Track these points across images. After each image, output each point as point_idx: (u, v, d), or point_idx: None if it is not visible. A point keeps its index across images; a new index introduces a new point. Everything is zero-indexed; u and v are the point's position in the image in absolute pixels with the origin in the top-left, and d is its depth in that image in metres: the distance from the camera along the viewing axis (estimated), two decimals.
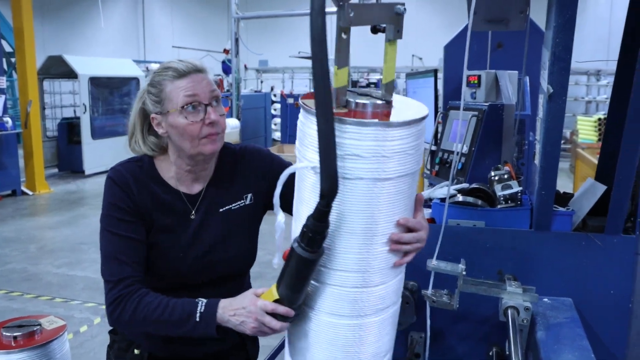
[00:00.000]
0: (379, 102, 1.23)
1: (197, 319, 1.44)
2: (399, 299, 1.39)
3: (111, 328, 1.81)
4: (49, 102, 14.73)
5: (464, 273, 1.67)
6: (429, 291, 1.72)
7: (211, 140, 1.57)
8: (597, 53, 14.92)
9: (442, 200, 2.00)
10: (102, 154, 11.82)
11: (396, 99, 1.32)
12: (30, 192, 10.20)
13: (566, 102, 1.69)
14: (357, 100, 1.22)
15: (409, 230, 1.27)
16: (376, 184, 1.17)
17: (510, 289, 1.69)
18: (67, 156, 12.53)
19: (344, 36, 1.16)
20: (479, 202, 1.98)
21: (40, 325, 2.29)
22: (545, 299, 1.82)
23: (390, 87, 1.29)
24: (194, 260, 1.64)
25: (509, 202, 1.96)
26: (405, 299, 1.91)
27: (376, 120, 1.17)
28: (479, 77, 2.84)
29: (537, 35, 2.26)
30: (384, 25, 1.25)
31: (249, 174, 1.72)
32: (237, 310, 1.40)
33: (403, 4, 1.23)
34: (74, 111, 14.84)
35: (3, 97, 9.79)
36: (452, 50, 4.10)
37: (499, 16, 2.49)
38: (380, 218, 1.21)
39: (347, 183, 1.16)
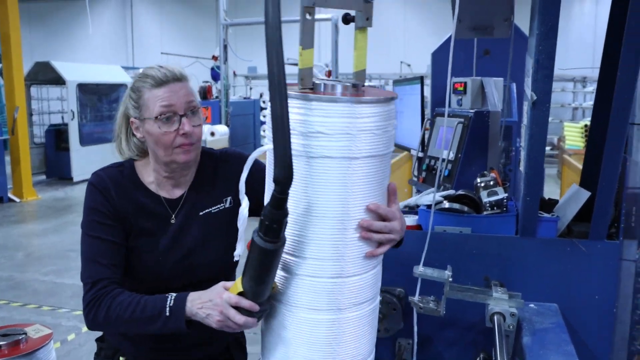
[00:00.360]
0: (348, 84, 1.23)
1: (167, 314, 1.43)
2: (376, 297, 1.36)
3: (98, 335, 1.81)
4: (36, 109, 14.66)
5: (451, 279, 1.67)
6: (416, 298, 1.73)
7: (184, 150, 1.58)
8: (583, 60, 15.08)
9: (429, 206, 2.01)
10: (90, 161, 11.74)
11: (367, 86, 1.32)
12: (17, 199, 10.12)
13: (550, 109, 1.71)
14: (326, 82, 1.22)
15: (382, 219, 1.26)
16: (346, 163, 1.17)
17: (497, 295, 1.70)
18: (55, 163, 12.46)
19: (308, 17, 1.16)
20: (465, 208, 1.99)
21: (25, 334, 2.27)
22: (531, 305, 1.83)
23: (361, 75, 1.29)
24: (174, 264, 1.64)
25: (495, 208, 1.98)
26: (392, 305, 1.92)
27: (344, 97, 1.17)
28: (465, 84, 2.87)
29: (524, 41, 2.28)
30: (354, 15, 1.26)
31: (230, 178, 1.71)
32: (204, 303, 1.39)
33: None
34: (62, 117, 14.79)
35: None
36: (440, 57, 4.14)
37: (484, 24, 2.52)
38: (352, 201, 1.20)
39: (316, 162, 1.16)
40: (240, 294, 1.28)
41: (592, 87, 15.33)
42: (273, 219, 1.13)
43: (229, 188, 1.72)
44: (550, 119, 1.79)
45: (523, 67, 1.92)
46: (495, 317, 1.67)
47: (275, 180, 1.08)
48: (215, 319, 1.35)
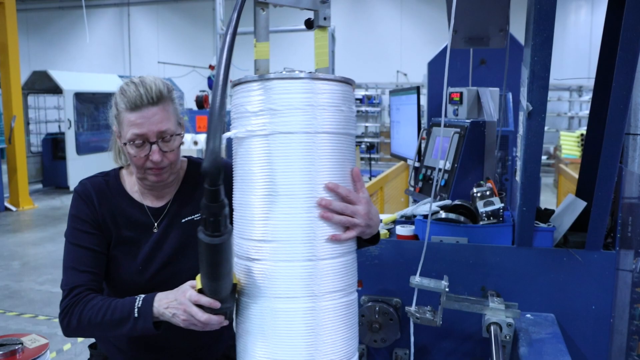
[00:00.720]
0: (306, 72, 1.27)
1: (136, 315, 1.43)
2: (353, 290, 1.34)
3: (91, 342, 1.82)
4: (33, 118, 14.63)
5: (447, 290, 1.68)
6: (413, 308, 1.73)
7: (155, 173, 1.58)
8: (579, 69, 15.15)
9: (425, 216, 2.02)
10: (87, 170, 11.67)
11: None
12: (13, 208, 10.10)
13: (545, 119, 1.71)
14: (283, 71, 1.26)
15: (345, 201, 1.26)
16: (310, 138, 1.21)
17: (493, 305, 1.70)
18: (51, 172, 12.45)
19: (262, 12, 1.26)
20: (462, 218, 2.00)
21: (22, 343, 2.26)
22: (528, 315, 1.83)
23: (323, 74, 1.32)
24: (155, 271, 1.64)
25: (491, 218, 1.98)
26: (389, 315, 1.92)
27: (303, 74, 1.22)
28: (461, 94, 2.88)
29: (519, 50, 2.29)
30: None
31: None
32: (170, 303, 1.39)
33: None
34: (59, 127, 14.78)
35: None
36: (436, 66, 4.16)
37: (479, 34, 2.53)
38: (318, 178, 1.22)
39: (279, 139, 1.20)
40: (200, 291, 1.28)
41: (588, 96, 15.41)
42: (210, 213, 1.12)
43: None
44: (546, 128, 1.81)
45: (519, 76, 1.93)
46: (492, 328, 1.68)
47: (203, 173, 1.07)
48: (180, 318, 1.35)
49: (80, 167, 11.82)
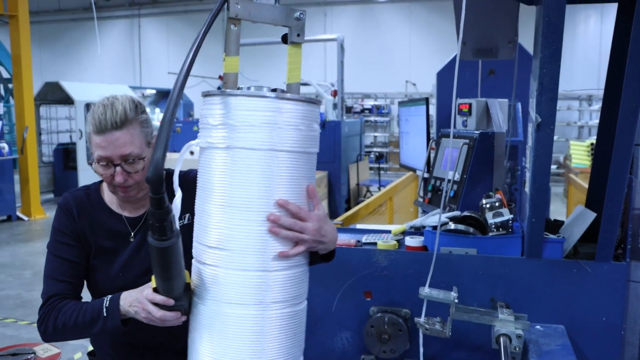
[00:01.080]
0: (274, 88, 1.32)
1: (105, 314, 1.50)
2: (299, 301, 1.39)
3: (90, 350, 1.90)
4: (45, 128, 14.77)
5: (456, 301, 1.68)
6: (422, 319, 1.73)
7: (122, 190, 1.64)
8: (588, 79, 15.10)
9: (434, 228, 2.02)
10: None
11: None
12: (25, 218, 10.18)
13: (555, 130, 1.72)
14: (251, 85, 1.31)
15: (295, 217, 1.31)
16: (265, 155, 1.26)
17: (502, 316, 1.70)
18: (62, 181, 12.51)
19: (233, 27, 1.30)
20: (471, 229, 2.00)
21: (34, 353, 2.28)
22: (538, 326, 1.83)
23: (294, 88, 1.36)
24: (133, 280, 1.66)
25: (500, 229, 1.98)
26: (398, 326, 1.92)
27: (269, 93, 1.27)
28: (470, 105, 2.88)
29: (528, 60, 2.30)
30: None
31: (190, 196, 1.75)
32: (132, 301, 1.46)
33: (304, 11, 1.33)
34: (70, 137, 14.89)
35: (0, 122, 9.84)
36: (445, 77, 4.17)
37: (488, 46, 2.54)
38: (270, 193, 1.28)
39: (236, 152, 1.26)
40: (155, 290, 1.36)
41: (598, 105, 15.35)
42: (156, 219, 1.21)
43: (187, 205, 1.74)
44: (555, 137, 1.81)
45: (528, 86, 1.94)
46: (502, 339, 1.67)
47: (147, 182, 1.15)
48: (141, 315, 1.42)
49: (90, 177, 11.71)
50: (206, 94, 1.34)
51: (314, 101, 1.34)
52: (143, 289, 1.43)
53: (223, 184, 1.28)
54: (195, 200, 1.38)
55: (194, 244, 1.39)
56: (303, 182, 1.34)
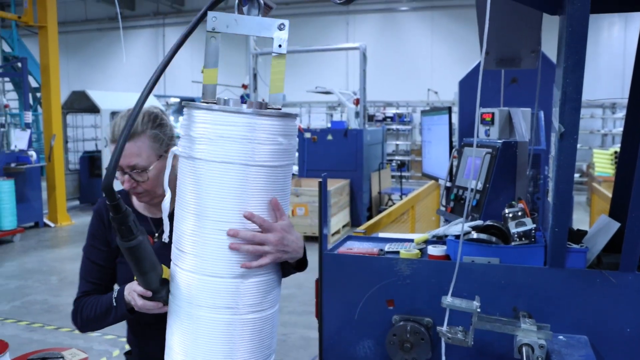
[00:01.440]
0: (253, 101, 1.36)
1: (114, 304, 1.68)
2: (266, 307, 1.44)
3: (127, 350, 2.04)
4: (71, 136, 15.01)
5: (479, 310, 1.68)
6: (444, 328, 1.74)
7: (135, 195, 1.84)
8: (612, 87, 14.91)
9: (457, 237, 2.03)
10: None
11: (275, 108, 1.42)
12: (52, 224, 10.36)
13: (578, 140, 1.72)
14: (225, 98, 1.35)
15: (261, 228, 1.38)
16: (241, 169, 1.31)
17: (525, 326, 1.70)
18: (88, 189, 12.72)
19: (212, 40, 1.35)
20: (493, 239, 2.00)
21: (62, 357, 2.34)
22: (560, 337, 1.82)
23: (277, 99, 1.39)
24: None
25: (523, 239, 1.98)
26: (420, 335, 1.93)
27: (246, 108, 1.31)
28: (493, 114, 2.89)
29: (551, 69, 2.30)
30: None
31: None
32: (128, 292, 1.61)
33: (284, 22, 1.35)
34: (96, 144, 15.13)
35: (28, 131, 10.04)
36: (467, 85, 4.17)
37: (511, 55, 2.55)
38: (233, 205, 1.33)
39: (200, 163, 1.31)
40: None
41: (622, 113, 15.15)
42: (117, 222, 1.35)
43: None
44: (578, 145, 1.80)
45: (551, 95, 1.93)
46: (524, 349, 1.67)
47: (101, 189, 1.31)
48: (133, 304, 1.57)
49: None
50: (185, 105, 1.39)
51: (290, 115, 1.37)
52: (132, 282, 1.57)
53: (197, 195, 1.34)
54: (175, 205, 1.47)
55: (172, 246, 1.48)
56: (275, 195, 1.39)
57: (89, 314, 1.78)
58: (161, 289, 1.48)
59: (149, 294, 1.48)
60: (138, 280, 1.49)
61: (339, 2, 1.60)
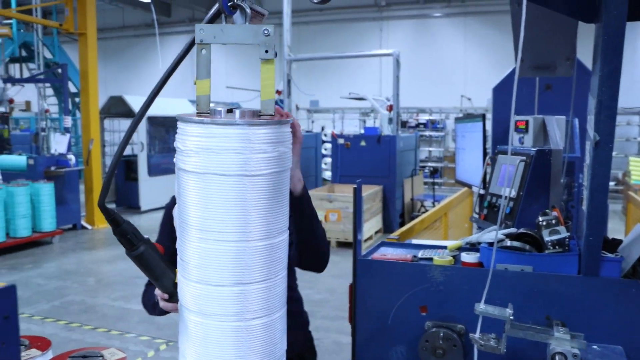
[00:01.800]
0: (246, 110, 1.35)
1: (157, 300, 1.72)
2: (269, 312, 1.44)
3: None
4: (108, 140, 15.36)
5: (512, 317, 1.69)
6: (477, 335, 1.74)
7: None
8: None
9: (490, 244, 2.04)
10: (157, 191, 12.18)
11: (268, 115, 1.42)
12: (89, 227, 10.61)
13: (613, 148, 1.71)
14: (220, 108, 1.36)
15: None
16: (238, 180, 1.30)
17: (558, 334, 1.70)
18: (124, 192, 12.97)
19: (203, 52, 1.37)
20: (527, 247, 2.00)
21: (102, 356, 2.41)
22: (595, 346, 1.81)
23: (268, 105, 1.38)
24: None
25: (557, 247, 1.98)
26: (453, 341, 1.94)
27: (239, 120, 1.31)
28: (527, 122, 2.88)
29: (587, 76, 2.29)
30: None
31: None
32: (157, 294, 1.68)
33: (269, 28, 1.35)
34: (132, 149, 15.41)
35: (68, 135, 10.32)
36: (501, 92, 4.15)
37: (546, 63, 2.54)
38: (242, 216, 1.32)
39: (208, 178, 1.30)
40: None
41: None
42: (119, 235, 1.43)
43: None
44: (614, 153, 1.79)
45: (586, 102, 1.93)
46: (557, 358, 1.67)
47: (97, 205, 1.31)
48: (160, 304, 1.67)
49: (151, 188, 12.28)
50: (178, 118, 1.39)
51: (283, 122, 1.37)
52: None
53: (196, 207, 1.33)
54: (175, 217, 1.51)
55: (177, 257, 1.46)
56: (273, 202, 1.38)
57: (145, 302, 1.95)
58: (176, 292, 1.51)
59: (166, 296, 1.57)
60: (155, 285, 1.56)
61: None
